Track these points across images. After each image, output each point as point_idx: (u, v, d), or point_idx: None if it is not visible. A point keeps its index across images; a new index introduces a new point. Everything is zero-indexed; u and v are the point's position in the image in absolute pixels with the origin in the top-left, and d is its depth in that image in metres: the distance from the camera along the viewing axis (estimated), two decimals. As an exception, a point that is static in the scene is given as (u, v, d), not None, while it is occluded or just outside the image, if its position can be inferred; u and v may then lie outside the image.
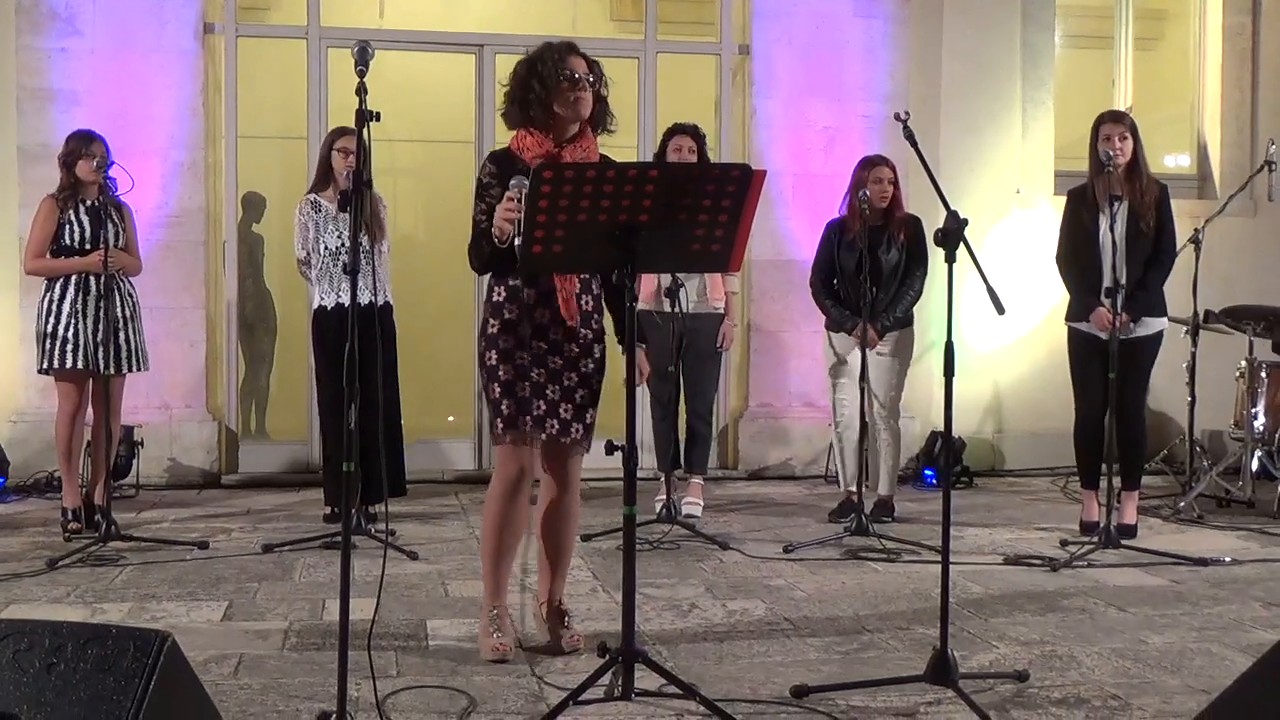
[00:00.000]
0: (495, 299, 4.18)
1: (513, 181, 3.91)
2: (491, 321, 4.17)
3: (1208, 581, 5.50)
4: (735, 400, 8.79)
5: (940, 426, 8.03)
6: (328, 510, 6.65)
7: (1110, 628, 4.72)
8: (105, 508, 5.99)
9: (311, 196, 6.53)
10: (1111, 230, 6.15)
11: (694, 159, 6.63)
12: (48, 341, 6.37)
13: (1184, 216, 6.90)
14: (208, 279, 8.19)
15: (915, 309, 6.88)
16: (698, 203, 3.64)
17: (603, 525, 6.39)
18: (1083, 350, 6.45)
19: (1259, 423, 7.49)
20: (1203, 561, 5.81)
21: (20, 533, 6.45)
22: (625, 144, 8.81)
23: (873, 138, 8.48)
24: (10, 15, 7.89)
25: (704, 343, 6.87)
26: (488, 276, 4.25)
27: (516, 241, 3.76)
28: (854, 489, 6.64)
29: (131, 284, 6.59)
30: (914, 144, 4.57)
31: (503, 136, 4.45)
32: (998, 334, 8.54)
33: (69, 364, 6.35)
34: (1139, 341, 6.31)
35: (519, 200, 3.74)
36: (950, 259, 3.86)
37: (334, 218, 6.43)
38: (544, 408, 4.16)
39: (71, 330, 6.34)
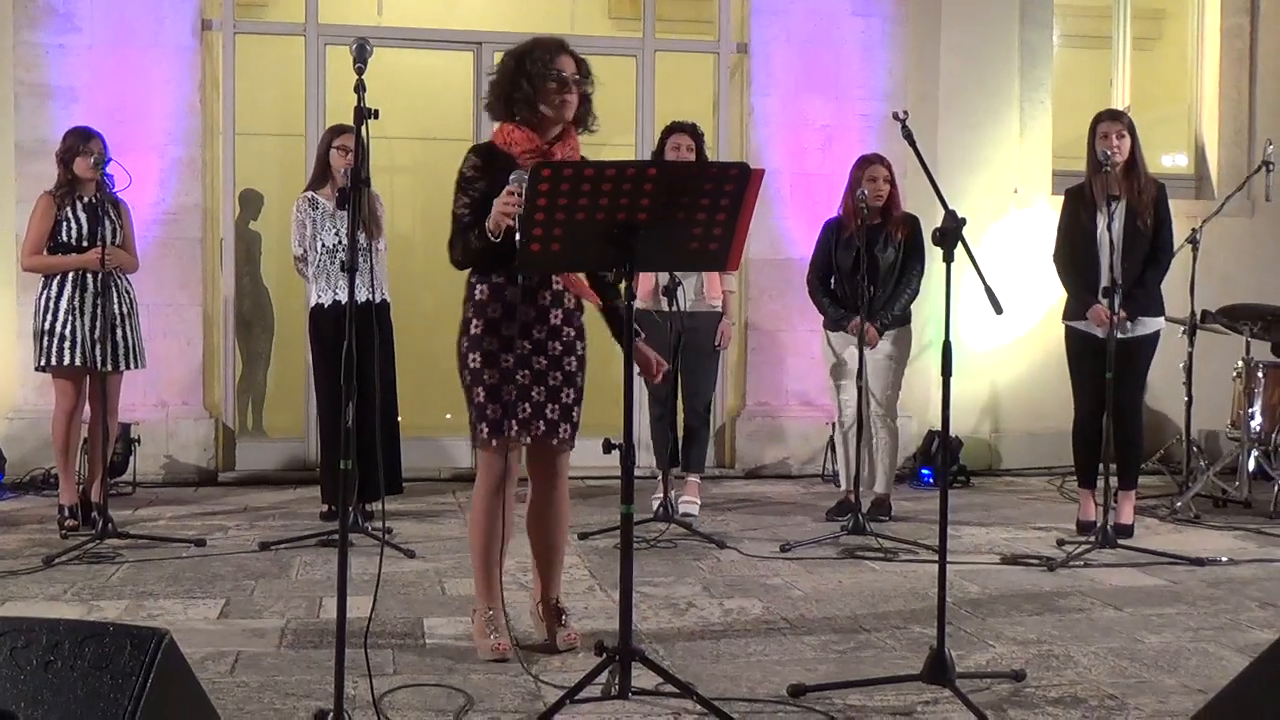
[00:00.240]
0: (478, 297, 4.14)
1: (513, 175, 3.90)
2: (475, 321, 4.13)
3: (1204, 581, 5.51)
4: (732, 399, 8.79)
5: (937, 426, 8.03)
6: (324, 508, 6.64)
7: (1107, 627, 4.73)
8: (102, 505, 5.98)
9: (309, 194, 6.53)
10: (1109, 229, 6.15)
11: (692, 157, 6.63)
12: (45, 339, 6.37)
13: (1181, 216, 6.90)
14: (205, 276, 8.18)
15: (913, 308, 6.88)
16: (696, 201, 3.63)
17: (600, 524, 6.39)
18: (1080, 349, 6.45)
19: (1256, 423, 7.49)
20: (1199, 561, 5.81)
21: (17, 530, 6.45)
22: (623, 142, 8.83)
23: (870, 136, 8.48)
24: (8, 10, 7.88)
25: (702, 341, 6.88)
26: (466, 273, 4.22)
27: (518, 237, 3.73)
28: (852, 488, 6.64)
29: (129, 281, 6.58)
30: (912, 143, 4.57)
31: (501, 135, 4.43)
32: (995, 333, 8.54)
33: (66, 361, 6.34)
34: (1136, 341, 6.32)
35: (519, 195, 3.73)
36: (948, 258, 3.86)
37: (331, 215, 6.43)
38: (529, 410, 4.15)
39: (68, 327, 6.34)
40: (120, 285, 6.48)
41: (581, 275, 4.24)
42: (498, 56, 4.27)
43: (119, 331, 6.42)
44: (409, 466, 7.08)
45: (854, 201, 6.63)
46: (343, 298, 6.41)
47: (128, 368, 6.54)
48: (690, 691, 3.67)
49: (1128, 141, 6.25)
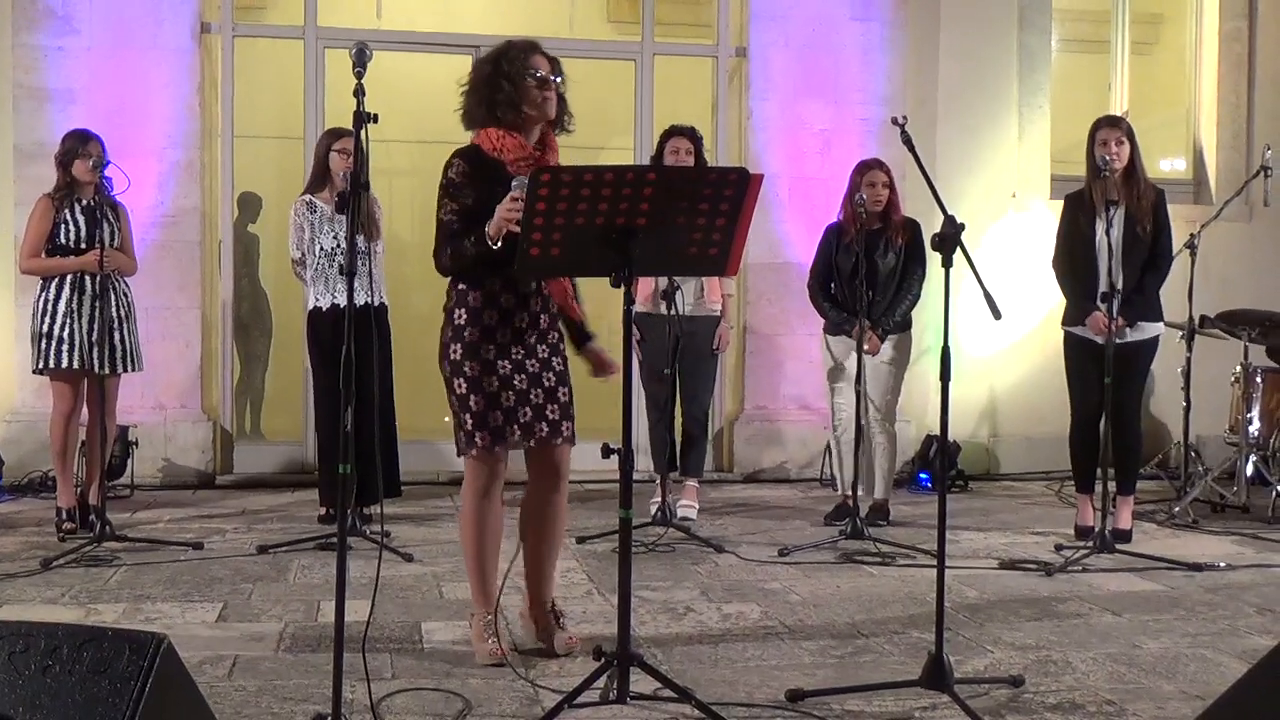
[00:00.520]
0: (473, 303, 4.12)
1: (515, 182, 3.90)
2: (470, 329, 4.12)
3: (1202, 587, 5.51)
4: (730, 403, 8.79)
5: (936, 430, 8.04)
6: (322, 511, 6.64)
7: (1105, 633, 4.73)
8: (100, 508, 5.98)
9: (307, 197, 6.52)
10: (1108, 235, 6.15)
11: (691, 161, 6.64)
12: (43, 341, 6.37)
13: (1180, 221, 6.91)
14: (203, 279, 8.18)
15: (913, 313, 6.88)
16: (695, 206, 3.64)
17: (598, 528, 6.39)
18: (1078, 354, 6.45)
19: (1254, 428, 7.50)
20: (1197, 567, 5.81)
21: (15, 533, 6.44)
22: (621, 146, 8.84)
23: (869, 140, 8.49)
24: (7, 12, 7.88)
25: (700, 345, 6.88)
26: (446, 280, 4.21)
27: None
28: (850, 493, 6.64)
29: (127, 284, 6.58)
30: (911, 148, 4.57)
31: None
32: (993, 338, 8.54)
33: (64, 364, 6.34)
34: (1135, 346, 6.32)
35: (524, 201, 3.72)
36: (947, 264, 3.86)
37: (329, 218, 6.43)
38: (529, 414, 4.14)
39: (66, 330, 6.34)
40: (118, 288, 6.47)
41: (568, 288, 4.24)
42: (486, 53, 4.25)
43: (117, 334, 6.41)
44: (407, 470, 7.08)
45: (853, 207, 6.63)
46: (341, 301, 6.41)
47: (125, 370, 6.53)
48: (688, 696, 3.67)
49: (1127, 148, 6.25)
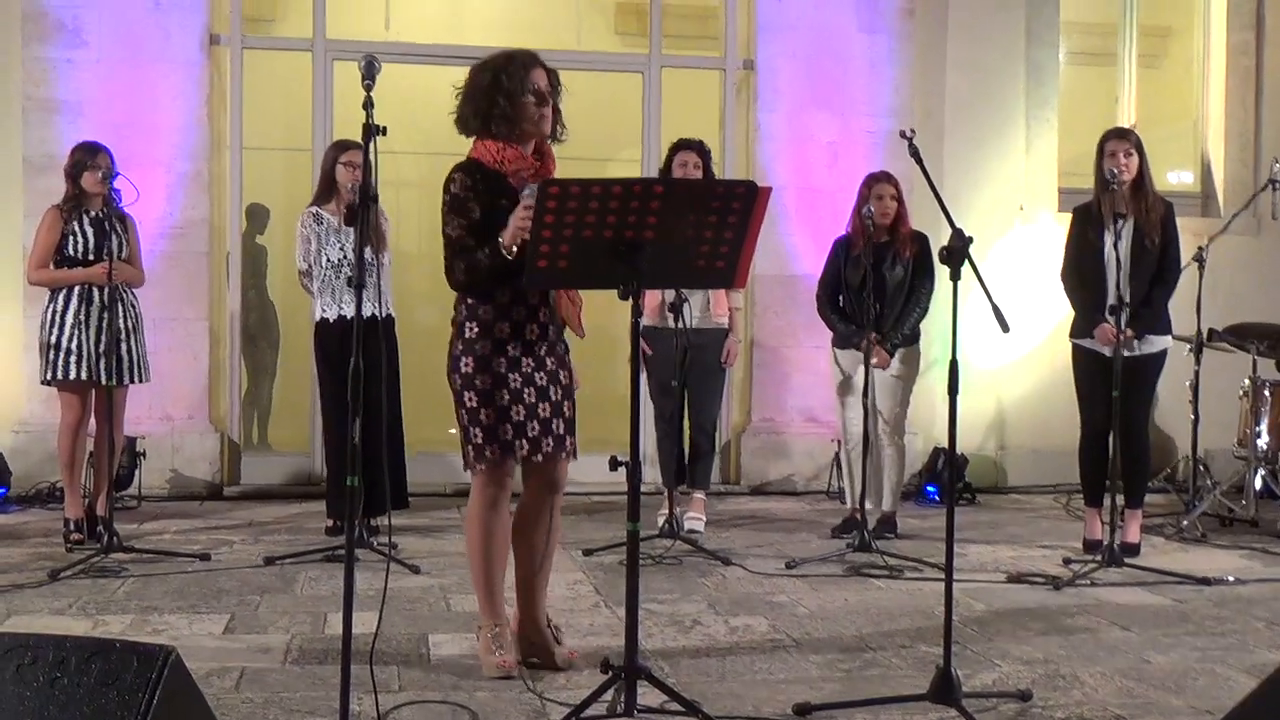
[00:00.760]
0: (484, 316, 4.11)
1: (526, 190, 3.90)
2: (481, 343, 4.11)
3: (1211, 601, 5.49)
4: (738, 415, 8.79)
5: (943, 443, 8.01)
6: (329, 523, 6.64)
7: (1114, 647, 4.71)
8: (107, 519, 5.98)
9: (313, 209, 6.53)
10: (1116, 247, 6.15)
11: (699, 175, 6.64)
12: (51, 352, 6.38)
13: (1187, 234, 6.90)
14: (211, 290, 8.19)
15: (921, 326, 6.87)
16: (703, 219, 3.64)
17: (605, 540, 6.38)
18: (1087, 367, 6.44)
19: (1262, 441, 7.48)
20: (1206, 581, 5.79)
21: (22, 543, 6.45)
22: (629, 158, 8.85)
23: (876, 152, 8.49)
24: (17, 25, 7.91)
25: (707, 358, 6.87)
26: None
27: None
28: (857, 505, 6.63)
29: (135, 295, 6.59)
30: (919, 161, 4.58)
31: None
32: (1001, 350, 8.53)
33: (71, 375, 6.35)
34: (1143, 359, 6.31)
35: None
36: (955, 277, 3.86)
37: (336, 230, 6.44)
38: (537, 428, 4.15)
39: (74, 341, 6.35)
40: (126, 299, 6.49)
41: (572, 302, 4.23)
42: (486, 60, 4.25)
43: (124, 346, 6.42)
44: (413, 481, 7.06)
45: (861, 219, 6.63)
46: (347, 312, 6.41)
47: (133, 382, 6.54)
48: (696, 710, 3.66)
49: (1135, 160, 6.24)
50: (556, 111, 4.21)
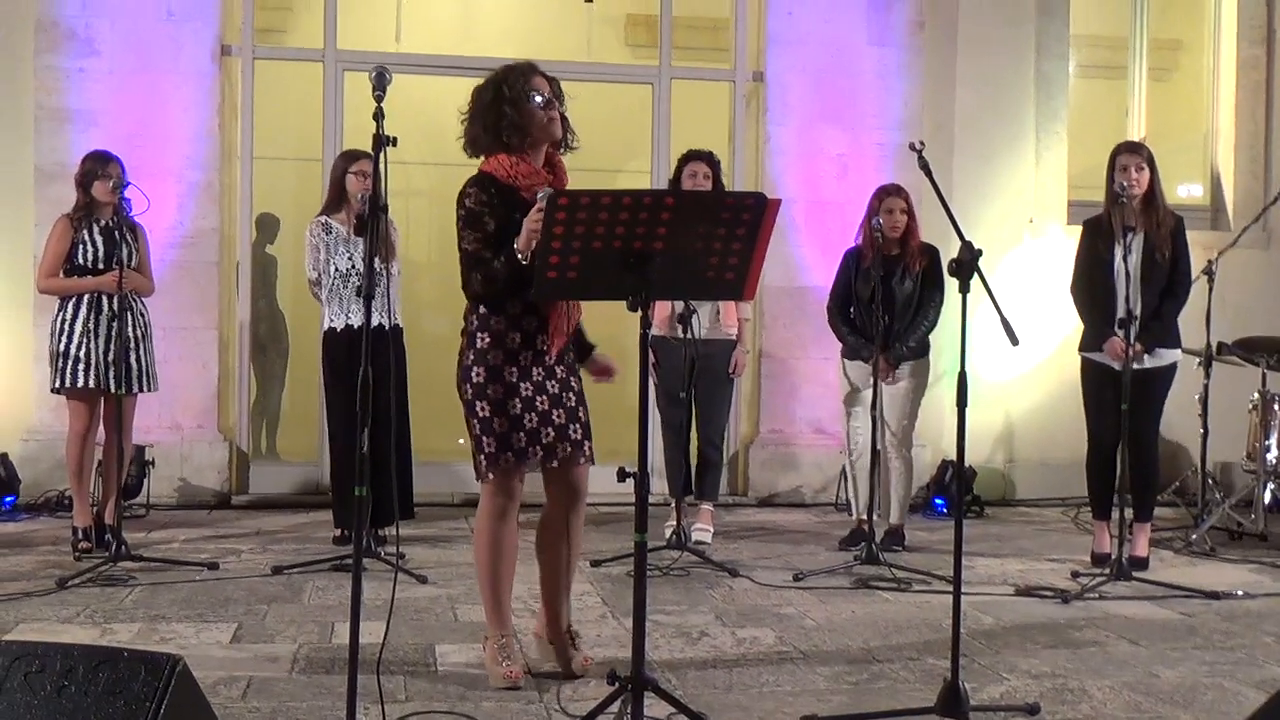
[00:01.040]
0: (495, 327, 4.13)
1: (540, 194, 3.92)
2: (493, 352, 4.12)
3: (1219, 615, 5.48)
4: (746, 427, 8.78)
5: (951, 455, 8.02)
6: (337, 533, 6.64)
7: (1122, 661, 4.70)
8: (116, 527, 5.99)
9: (323, 218, 6.55)
10: (1126, 261, 6.15)
11: (709, 186, 6.66)
12: (60, 360, 6.39)
13: (1197, 247, 6.89)
14: (221, 300, 8.21)
15: (930, 339, 6.87)
16: (712, 230, 3.64)
17: (613, 551, 6.38)
18: (1096, 380, 6.44)
19: (1271, 455, 7.45)
20: (1215, 595, 5.78)
21: (31, 551, 6.46)
22: (639, 169, 8.86)
23: (886, 165, 8.50)
24: (29, 35, 7.94)
25: (716, 369, 6.87)
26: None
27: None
28: (865, 517, 6.62)
29: (144, 304, 6.61)
30: (929, 174, 4.59)
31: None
32: (1009, 363, 8.52)
33: (80, 383, 6.36)
34: (1152, 372, 6.30)
35: None
36: (964, 290, 3.86)
37: (345, 240, 6.46)
38: (552, 435, 4.16)
39: (83, 349, 6.36)
40: (135, 308, 6.50)
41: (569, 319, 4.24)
42: (485, 79, 4.26)
43: (133, 355, 6.44)
44: (421, 491, 7.08)
45: (871, 232, 6.63)
46: (355, 322, 6.43)
47: (141, 391, 6.55)
48: (703, 722, 3.66)
49: (1146, 174, 6.24)
50: (564, 119, 4.22)
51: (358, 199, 6.36)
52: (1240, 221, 8.87)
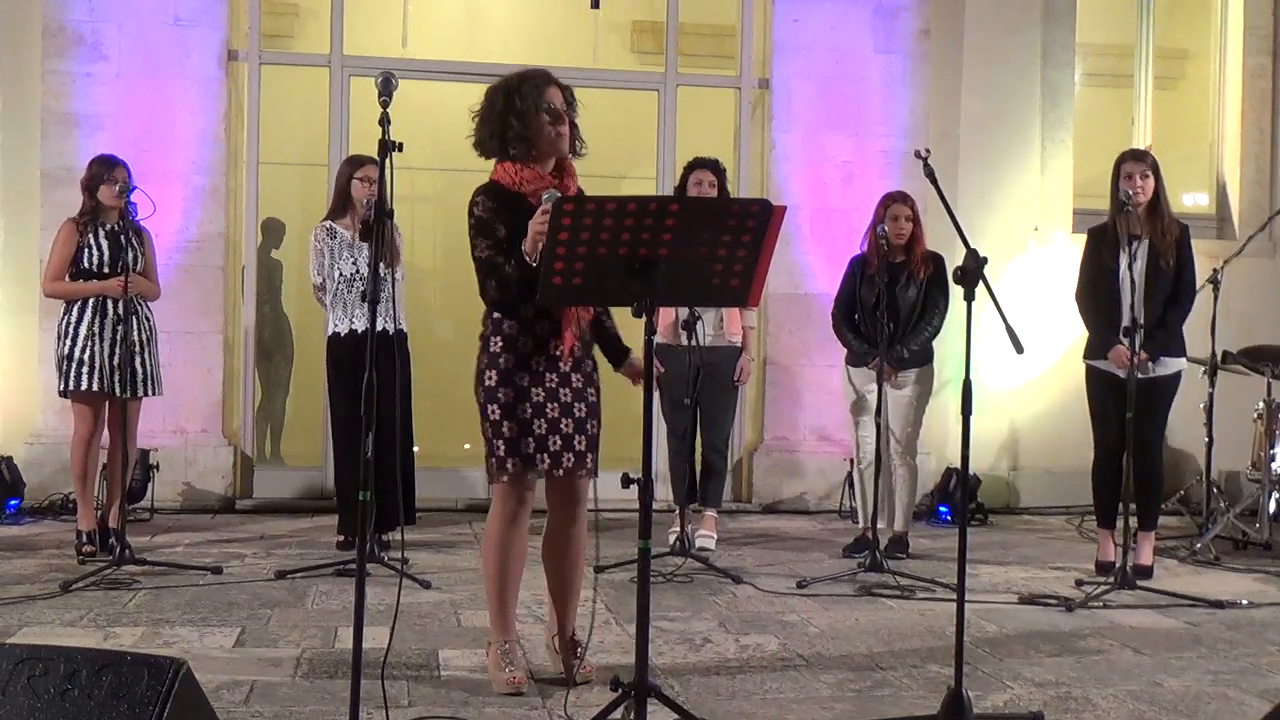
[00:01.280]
0: (509, 331, 4.15)
1: (545, 195, 3.93)
2: (505, 356, 4.15)
3: (1224, 624, 5.47)
4: (750, 434, 8.78)
5: (956, 463, 8.01)
6: (340, 537, 6.64)
7: (1126, 669, 4.69)
8: (120, 531, 5.99)
9: (327, 223, 6.56)
10: (1131, 269, 6.14)
11: (714, 193, 6.66)
12: (65, 364, 6.40)
13: (1202, 256, 6.89)
14: (226, 304, 8.22)
15: (935, 346, 6.86)
16: (717, 237, 3.64)
17: (616, 557, 6.37)
18: (1100, 388, 6.43)
19: (1276, 464, 7.45)
20: (1219, 604, 5.77)
21: (35, 555, 6.47)
22: (645, 176, 8.86)
23: (891, 173, 8.50)
24: (37, 40, 7.96)
25: (721, 376, 6.87)
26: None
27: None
28: (869, 525, 6.61)
29: (149, 308, 6.61)
30: (934, 181, 4.58)
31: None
32: (1014, 371, 8.51)
33: (84, 386, 6.37)
34: (1157, 381, 6.29)
35: None
36: (969, 297, 3.86)
37: (350, 244, 6.46)
38: (559, 443, 4.16)
39: (87, 353, 6.37)
40: (141, 312, 6.51)
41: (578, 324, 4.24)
42: (500, 82, 4.27)
43: (138, 358, 6.44)
44: (424, 496, 7.08)
45: (876, 239, 6.63)
46: (359, 327, 6.43)
47: (146, 395, 6.55)
48: (706, 728, 3.65)
49: (1151, 182, 6.24)
50: (574, 127, 4.23)
51: (362, 204, 6.37)
52: (1246, 230, 8.86)
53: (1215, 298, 7.29)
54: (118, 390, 6.26)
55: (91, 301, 6.42)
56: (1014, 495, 8.96)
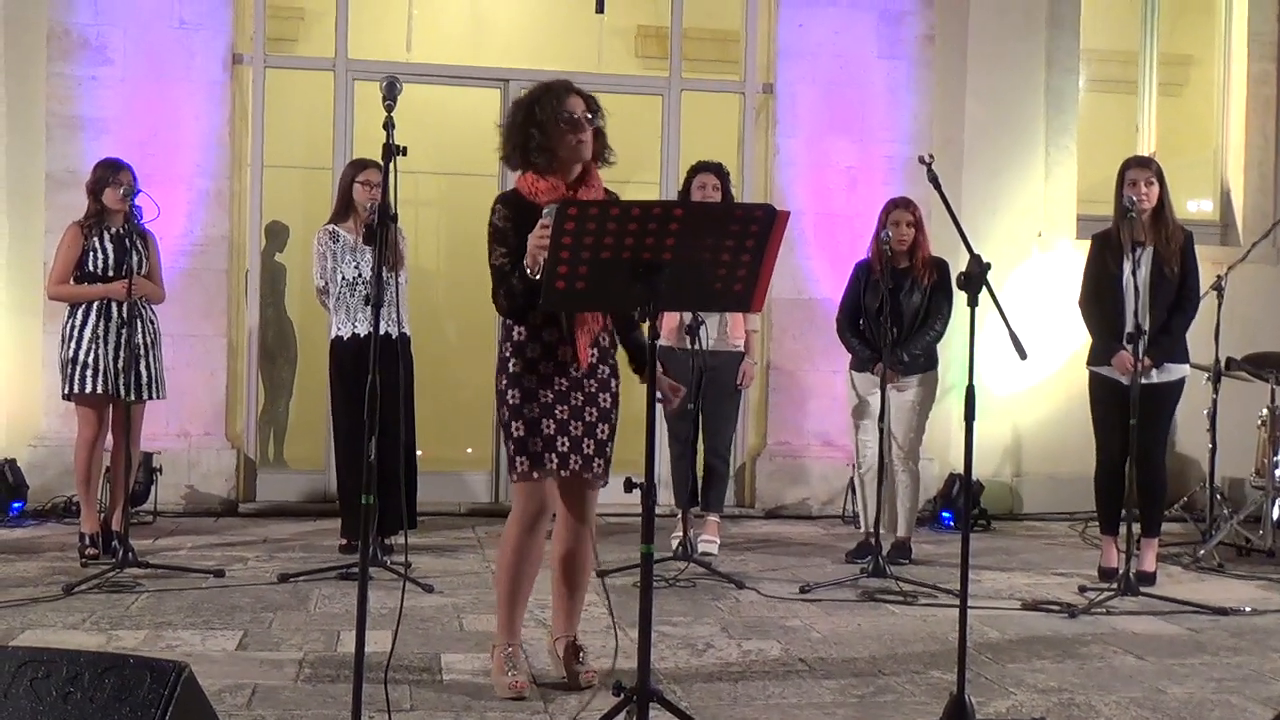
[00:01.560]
0: (517, 338, 4.19)
1: (545, 210, 3.94)
2: (514, 361, 4.19)
3: (1227, 631, 5.46)
4: (753, 438, 8.78)
5: (958, 468, 8.00)
6: (343, 541, 6.64)
7: (1129, 676, 4.69)
8: (123, 534, 6.00)
9: (330, 227, 6.56)
10: (1135, 275, 6.14)
11: (718, 197, 6.66)
12: (69, 367, 6.40)
13: (1206, 263, 6.88)
14: (230, 307, 8.23)
15: (938, 351, 6.85)
16: (721, 242, 3.64)
17: (619, 561, 6.37)
18: (1104, 395, 6.43)
19: (1280, 471, 7.44)
20: (1222, 611, 5.76)
21: (38, 557, 6.47)
22: (648, 180, 8.87)
23: (895, 178, 8.50)
24: (42, 43, 7.97)
25: (724, 381, 6.87)
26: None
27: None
28: (872, 530, 6.60)
29: (153, 311, 6.62)
30: (938, 186, 4.59)
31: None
32: (1017, 376, 8.51)
33: (89, 389, 6.37)
34: (1160, 387, 6.29)
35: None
36: (973, 303, 3.86)
37: (352, 248, 6.46)
38: (567, 445, 4.18)
39: (92, 356, 6.37)
40: (145, 315, 6.51)
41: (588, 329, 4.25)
42: (523, 95, 4.30)
43: (142, 362, 6.45)
44: (427, 500, 7.07)
45: (879, 244, 6.64)
46: (362, 330, 6.43)
47: (150, 398, 6.56)
48: (708, 734, 3.65)
49: (1156, 189, 6.24)
50: (600, 134, 4.25)
51: (365, 208, 6.37)
52: (1250, 237, 8.85)
53: (1219, 304, 7.28)
54: (122, 393, 6.27)
55: (96, 305, 6.42)
56: (1017, 501, 8.95)
